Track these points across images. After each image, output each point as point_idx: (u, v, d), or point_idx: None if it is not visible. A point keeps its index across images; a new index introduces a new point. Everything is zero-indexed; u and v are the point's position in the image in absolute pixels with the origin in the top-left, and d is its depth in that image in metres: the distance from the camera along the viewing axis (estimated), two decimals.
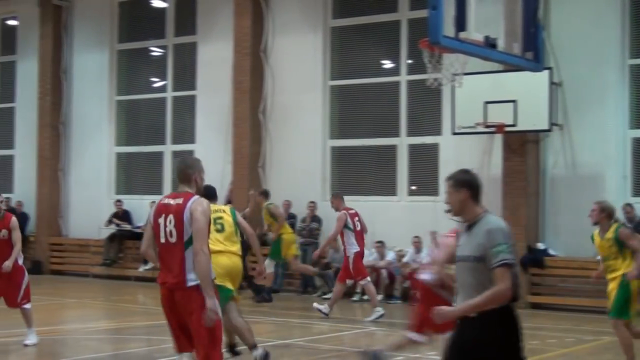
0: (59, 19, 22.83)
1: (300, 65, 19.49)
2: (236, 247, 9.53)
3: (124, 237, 21.09)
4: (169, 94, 21.61)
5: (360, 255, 14.33)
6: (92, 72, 22.61)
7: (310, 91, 19.30)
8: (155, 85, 22.40)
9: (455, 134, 16.54)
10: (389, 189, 18.50)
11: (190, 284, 6.64)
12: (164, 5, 21.81)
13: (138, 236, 20.49)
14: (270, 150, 19.62)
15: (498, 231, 5.30)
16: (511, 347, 5.31)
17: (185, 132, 21.23)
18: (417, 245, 17.16)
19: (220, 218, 9.47)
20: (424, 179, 18.11)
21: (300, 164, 19.25)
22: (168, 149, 21.45)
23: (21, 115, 23.77)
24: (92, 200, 22.14)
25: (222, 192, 19.62)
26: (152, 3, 22.44)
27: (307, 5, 19.46)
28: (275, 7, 19.75)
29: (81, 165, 22.63)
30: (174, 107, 21.48)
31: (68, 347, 12.24)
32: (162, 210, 6.78)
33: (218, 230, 9.30)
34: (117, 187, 22.24)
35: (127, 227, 21.07)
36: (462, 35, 10.16)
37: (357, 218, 14.48)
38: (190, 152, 20.84)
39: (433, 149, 17.94)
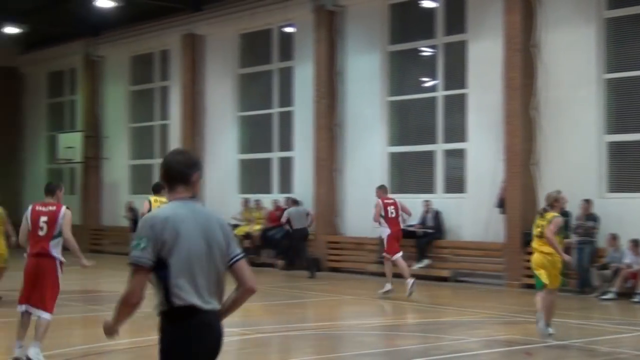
0: (332, 24, 23.73)
1: (573, 58, 19.06)
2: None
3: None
4: (440, 93, 21.84)
5: (392, 236, 17.38)
6: (365, 74, 23.31)
7: (585, 85, 18.82)
8: (426, 84, 22.73)
9: None
10: None
11: None
12: (433, 5, 22.07)
13: (412, 234, 20.95)
14: (544, 147, 19.34)
15: None
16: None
17: (456, 131, 21.37)
18: None
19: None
20: None
21: (575, 160, 18.83)
22: (439, 147, 21.69)
23: (299, 118, 24.94)
24: (366, 200, 22.78)
25: (493, 191, 19.64)
26: (422, 3, 22.78)
27: None
28: (547, 1, 19.44)
29: (355, 166, 23.38)
30: (445, 106, 21.68)
31: (345, 342, 12.75)
32: None
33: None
34: (390, 186, 22.73)
35: (401, 225, 21.47)
36: None
37: (392, 207, 17.56)
38: (461, 151, 21.00)
39: None
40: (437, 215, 21.01)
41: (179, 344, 4.65)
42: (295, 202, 23.57)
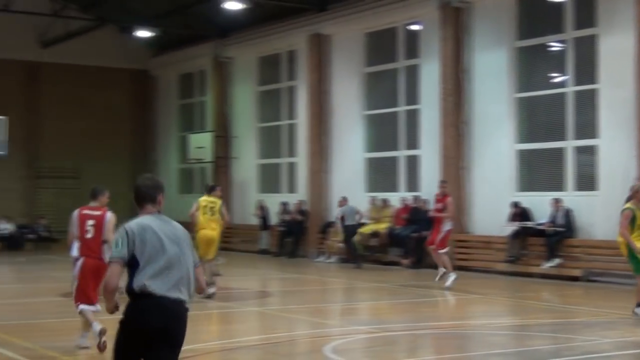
0: (458, 21, 23.57)
1: None
2: None
3: (527, 234, 21.30)
4: (569, 89, 21.40)
5: (451, 231, 18.99)
6: (492, 71, 23.07)
7: None
8: (555, 80, 22.33)
9: None
10: None
11: None
12: None
13: (542, 233, 20.65)
14: None
15: None
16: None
17: (586, 127, 20.92)
18: None
19: None
20: None
21: None
22: (569, 144, 21.28)
23: (425, 116, 24.87)
24: (494, 198, 22.60)
25: (626, 188, 19.16)
26: None
27: None
28: None
29: (483, 163, 23.18)
30: (575, 102, 21.25)
31: (474, 342, 12.71)
32: None
33: None
34: (519, 184, 22.47)
35: (530, 224, 21.26)
36: None
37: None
38: (593, 147, 20.56)
39: None
40: (567, 214, 20.64)
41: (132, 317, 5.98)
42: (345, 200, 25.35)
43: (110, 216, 10.80)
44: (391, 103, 26.20)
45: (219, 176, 32.10)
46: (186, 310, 6.06)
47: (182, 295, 6.01)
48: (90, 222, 10.73)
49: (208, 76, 33.63)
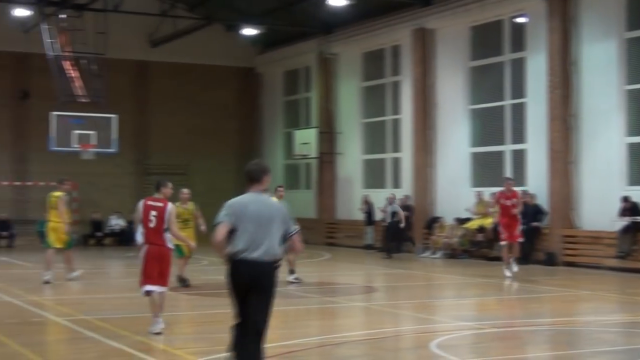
0: (566, 12, 23.13)
1: None
2: None
3: (638, 229, 20.79)
4: None
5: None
6: (601, 63, 22.57)
7: None
8: None
9: None
10: None
11: None
12: None
13: None
14: None
15: None
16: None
17: None
18: None
19: None
20: None
21: None
22: None
23: (532, 109, 24.50)
24: (603, 192, 22.12)
25: None
26: None
27: None
28: None
29: (592, 157, 22.70)
30: None
31: (582, 338, 12.47)
32: None
33: None
34: (629, 178, 21.93)
35: None
36: None
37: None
38: None
39: None
40: None
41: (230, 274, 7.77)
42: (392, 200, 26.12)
43: (171, 207, 11.77)
44: (497, 97, 25.90)
45: (323, 172, 32.31)
46: (274, 268, 7.72)
47: (268, 257, 7.65)
48: (153, 212, 11.66)
49: (313, 72, 33.86)
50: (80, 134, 27.72)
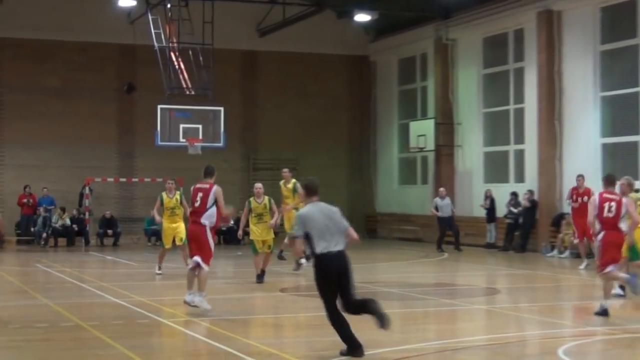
0: None
1: None
2: None
3: None
4: None
5: None
6: None
7: None
8: None
9: None
10: None
11: None
12: None
13: None
14: None
15: None
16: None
17: None
18: None
19: None
20: None
21: None
22: None
23: None
24: None
25: None
26: None
27: None
28: None
29: None
30: None
31: None
32: None
33: None
34: None
35: None
36: None
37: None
38: None
39: None
40: None
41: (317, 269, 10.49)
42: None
43: (216, 188, 13.86)
44: (631, 82, 25.22)
45: (441, 166, 32.08)
46: (346, 255, 10.37)
47: (340, 247, 10.35)
48: (200, 194, 13.86)
49: (430, 60, 33.61)
50: (186, 128, 28.14)
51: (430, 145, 31.84)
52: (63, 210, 31.18)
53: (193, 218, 13.89)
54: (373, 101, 37.04)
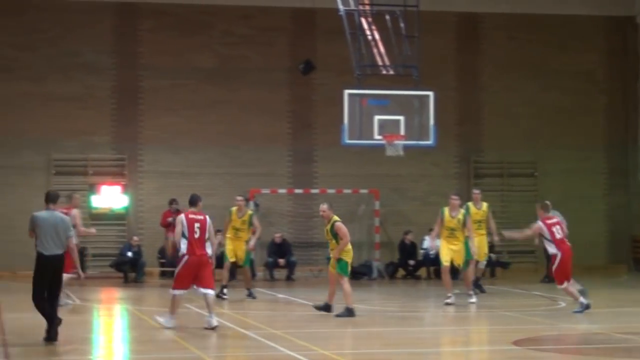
0: None
1: None
2: None
3: None
4: None
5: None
6: None
7: None
8: None
9: None
10: None
11: None
12: None
13: None
14: None
15: None
16: None
17: None
18: None
19: None
20: None
21: None
22: None
23: None
24: None
25: None
26: None
27: None
28: None
29: None
30: None
31: None
32: None
33: None
34: None
35: None
36: None
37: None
38: None
39: None
40: None
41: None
42: None
43: (209, 219, 18.53)
44: None
45: None
46: None
47: None
48: (197, 224, 18.23)
49: None
50: (383, 121, 27.73)
51: None
52: (220, 232, 31.45)
53: (196, 249, 18.53)
54: None
